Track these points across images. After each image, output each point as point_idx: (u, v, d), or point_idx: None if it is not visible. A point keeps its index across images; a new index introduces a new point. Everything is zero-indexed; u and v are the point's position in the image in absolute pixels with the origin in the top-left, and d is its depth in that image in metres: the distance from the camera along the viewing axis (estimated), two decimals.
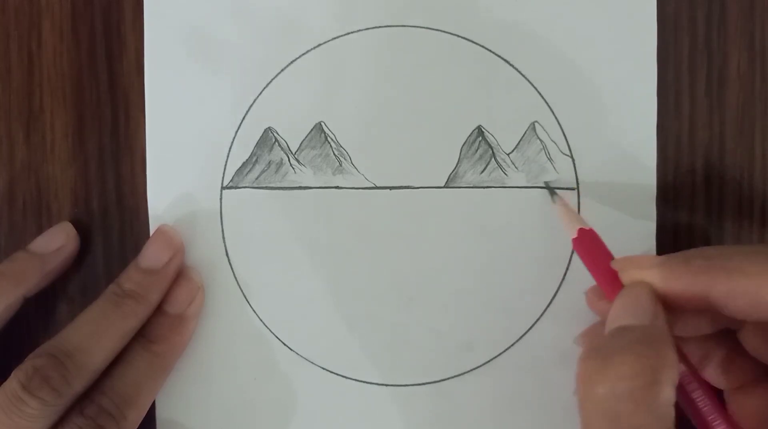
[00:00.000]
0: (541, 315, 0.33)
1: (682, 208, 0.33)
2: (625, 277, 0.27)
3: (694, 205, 0.33)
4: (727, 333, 0.29)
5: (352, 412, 0.33)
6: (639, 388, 0.23)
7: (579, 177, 0.33)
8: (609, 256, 0.29)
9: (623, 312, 0.26)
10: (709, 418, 0.25)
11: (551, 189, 0.32)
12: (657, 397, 0.23)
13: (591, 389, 0.24)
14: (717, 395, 0.26)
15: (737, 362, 0.29)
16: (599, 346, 0.25)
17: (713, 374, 0.29)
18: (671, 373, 0.24)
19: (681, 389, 0.25)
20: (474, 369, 0.33)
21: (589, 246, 0.29)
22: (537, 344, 0.32)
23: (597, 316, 0.30)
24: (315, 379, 0.33)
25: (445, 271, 0.33)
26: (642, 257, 0.28)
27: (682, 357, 0.26)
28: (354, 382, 0.33)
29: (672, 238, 0.33)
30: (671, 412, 0.23)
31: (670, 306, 0.26)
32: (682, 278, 0.26)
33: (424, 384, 0.33)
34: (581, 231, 0.30)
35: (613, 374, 0.23)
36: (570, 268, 0.32)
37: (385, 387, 0.33)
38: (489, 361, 0.33)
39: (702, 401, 0.25)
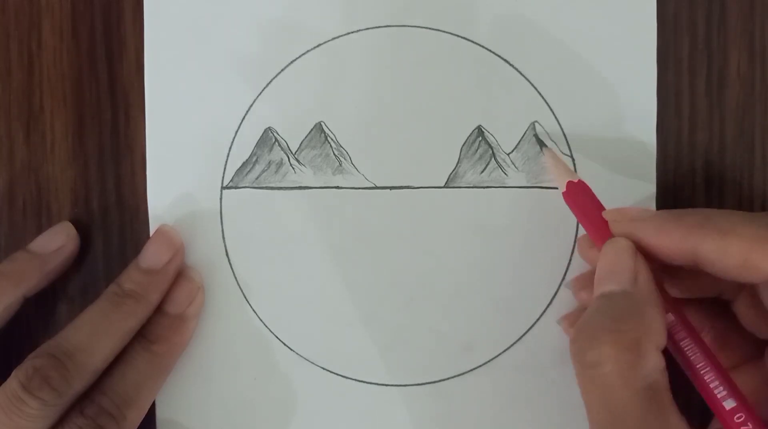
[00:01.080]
0: (541, 315, 0.33)
1: (682, 208, 0.33)
2: (616, 228, 0.28)
3: (694, 205, 0.33)
4: (721, 310, 0.29)
5: (352, 412, 0.33)
6: (623, 364, 0.24)
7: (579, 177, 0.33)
8: (600, 208, 0.29)
9: (606, 275, 0.27)
10: (698, 366, 0.26)
11: (540, 140, 0.32)
12: (643, 368, 0.24)
13: (583, 368, 0.25)
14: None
15: (733, 339, 0.29)
16: (584, 324, 0.25)
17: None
18: (656, 339, 0.25)
19: (671, 339, 0.26)
20: (474, 369, 0.33)
21: (579, 197, 0.30)
22: (537, 344, 0.33)
23: (587, 264, 0.31)
24: (315, 379, 0.33)
25: (445, 271, 0.33)
26: (633, 209, 0.28)
27: (671, 306, 0.27)
28: (354, 382, 0.33)
29: None
30: (661, 378, 0.24)
31: (658, 260, 0.27)
32: (673, 232, 0.26)
33: (424, 384, 0.33)
34: (570, 184, 0.30)
35: (600, 354, 0.24)
36: (570, 268, 0.32)
37: (385, 387, 0.33)
38: (489, 361, 0.33)
39: (690, 349, 0.26)
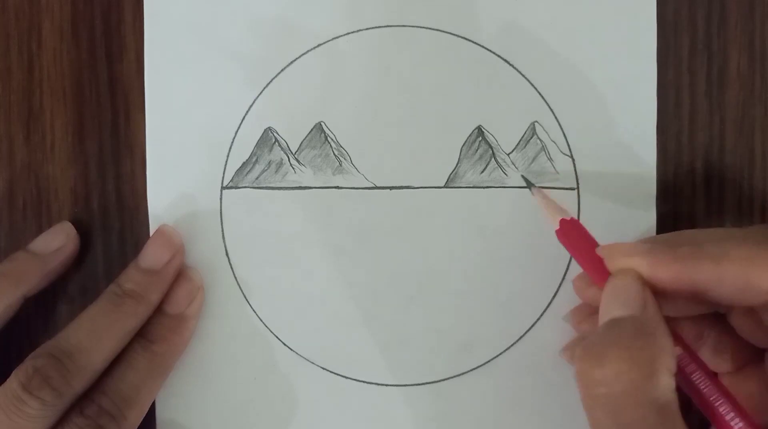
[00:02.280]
0: (541, 315, 0.33)
1: (682, 208, 0.33)
2: (612, 264, 0.27)
3: (694, 205, 0.33)
4: (718, 315, 0.29)
5: (351, 412, 0.33)
6: (636, 383, 0.23)
7: (579, 177, 0.33)
8: (594, 244, 0.29)
9: (613, 303, 0.26)
10: (711, 398, 0.25)
11: (528, 181, 0.32)
12: (655, 389, 0.23)
13: (591, 387, 0.24)
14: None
15: (730, 345, 0.29)
16: (593, 343, 0.25)
17: (707, 357, 0.29)
18: (667, 361, 0.24)
19: (680, 371, 0.26)
20: (474, 369, 0.33)
21: (573, 235, 0.29)
22: (537, 344, 0.33)
23: (587, 303, 0.30)
24: (315, 379, 0.33)
25: (445, 271, 0.33)
26: (627, 245, 0.28)
27: (678, 339, 0.26)
28: (354, 381, 0.33)
29: None
30: (673, 399, 0.24)
31: (658, 291, 0.26)
32: (669, 266, 0.26)
33: (424, 384, 0.33)
34: (563, 221, 0.30)
35: (610, 372, 0.24)
36: (570, 268, 0.32)
37: (384, 387, 0.33)
38: (489, 361, 0.33)
39: (701, 382, 0.25)
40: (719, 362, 0.29)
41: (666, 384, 0.24)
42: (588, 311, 0.31)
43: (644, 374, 0.23)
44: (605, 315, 0.26)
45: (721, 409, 0.25)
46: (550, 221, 0.30)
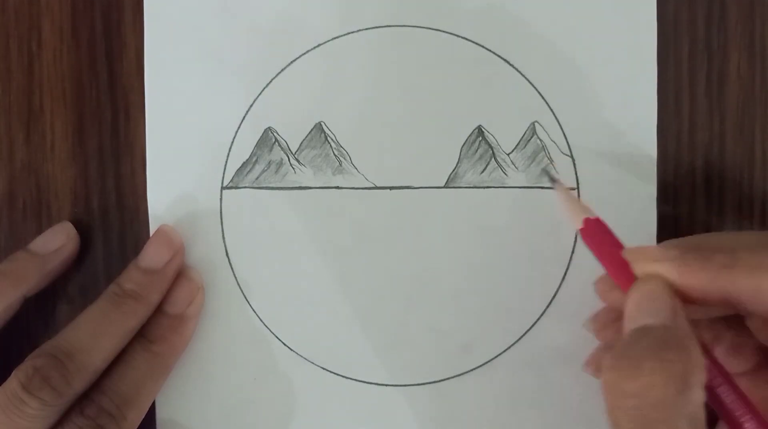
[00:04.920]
0: (541, 315, 0.33)
1: (682, 208, 0.33)
2: (638, 268, 0.26)
3: (694, 205, 0.33)
4: (734, 319, 0.28)
5: (351, 412, 0.33)
6: (669, 397, 0.23)
7: (579, 177, 0.33)
8: (619, 246, 0.28)
9: (641, 310, 0.25)
10: (737, 413, 0.24)
11: (551, 176, 0.32)
12: (688, 404, 0.23)
13: (620, 398, 0.23)
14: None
15: (746, 346, 0.28)
16: (624, 352, 0.24)
17: (722, 357, 0.28)
18: (699, 375, 0.23)
19: (706, 384, 0.25)
20: (474, 369, 0.33)
21: (597, 236, 0.28)
22: (537, 344, 0.33)
23: (608, 309, 0.29)
24: (315, 379, 0.33)
25: (445, 271, 0.33)
26: (655, 248, 0.27)
27: (705, 350, 0.25)
28: (354, 382, 0.33)
29: (672, 238, 0.33)
30: (702, 414, 0.23)
31: (686, 298, 0.25)
32: (700, 275, 0.25)
33: (423, 384, 0.33)
34: (587, 221, 0.28)
35: (643, 384, 0.23)
36: (570, 268, 0.32)
37: (384, 387, 0.33)
38: (489, 361, 0.33)
39: (728, 396, 0.25)
40: (734, 363, 0.28)
41: (698, 399, 0.23)
42: (610, 317, 0.30)
43: (678, 388, 0.23)
44: (632, 322, 0.25)
45: (746, 426, 0.24)
46: (573, 220, 0.29)
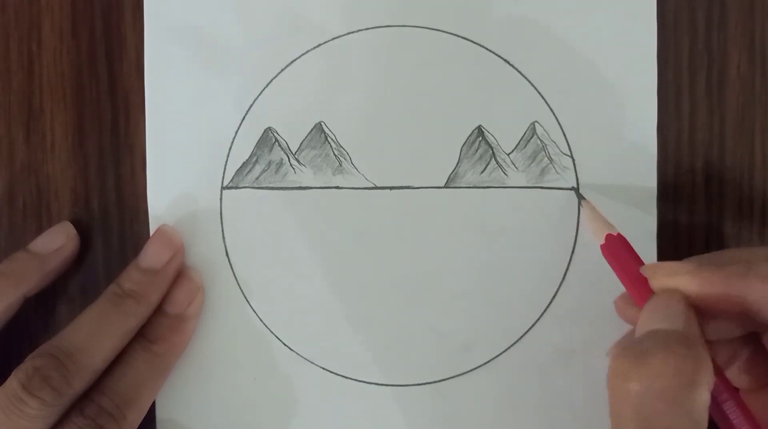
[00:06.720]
0: (541, 315, 0.33)
1: (682, 208, 0.33)
2: (656, 283, 0.27)
3: (694, 205, 0.33)
4: (751, 334, 0.28)
5: (352, 412, 0.33)
6: (676, 388, 0.22)
7: (579, 177, 0.33)
8: (639, 262, 0.28)
9: (654, 316, 0.25)
10: None
11: (579, 194, 0.32)
12: (694, 400, 0.23)
13: (624, 385, 0.23)
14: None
15: (760, 364, 0.28)
16: (633, 345, 0.24)
17: (734, 374, 0.29)
18: (708, 376, 0.23)
19: (712, 398, 0.24)
20: (474, 369, 0.33)
21: (618, 252, 0.29)
22: (537, 344, 0.32)
23: (625, 322, 0.29)
24: (315, 379, 0.33)
25: (445, 271, 0.33)
26: (673, 264, 0.27)
27: (714, 366, 0.25)
28: (354, 382, 0.33)
29: (672, 238, 0.33)
30: (705, 418, 0.23)
31: (702, 312, 0.26)
32: (716, 284, 0.25)
33: (423, 384, 0.33)
34: (609, 237, 0.29)
35: (651, 371, 0.23)
36: (570, 268, 0.32)
37: (384, 387, 0.33)
38: (489, 361, 0.33)
39: (733, 413, 0.25)
40: (745, 380, 0.29)
41: (704, 399, 0.23)
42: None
43: (686, 382, 0.23)
44: (645, 327, 0.25)
45: None
46: (596, 236, 0.30)
